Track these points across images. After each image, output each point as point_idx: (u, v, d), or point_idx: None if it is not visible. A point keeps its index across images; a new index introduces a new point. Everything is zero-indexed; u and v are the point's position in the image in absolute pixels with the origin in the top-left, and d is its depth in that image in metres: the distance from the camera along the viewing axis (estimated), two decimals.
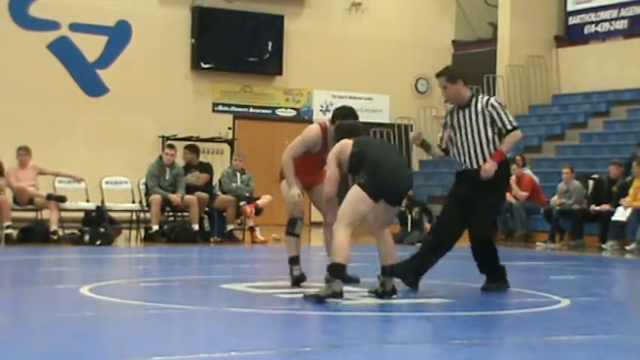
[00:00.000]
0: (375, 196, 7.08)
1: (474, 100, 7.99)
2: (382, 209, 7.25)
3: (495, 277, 8.17)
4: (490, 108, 7.94)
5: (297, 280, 8.04)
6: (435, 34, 22.15)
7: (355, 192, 7.08)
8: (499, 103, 8.05)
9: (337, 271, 6.98)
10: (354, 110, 8.01)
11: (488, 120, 7.92)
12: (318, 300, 6.91)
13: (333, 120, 7.91)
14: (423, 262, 8.15)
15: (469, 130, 7.97)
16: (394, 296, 7.39)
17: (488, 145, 7.93)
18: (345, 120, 7.77)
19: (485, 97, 7.99)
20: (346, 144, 7.32)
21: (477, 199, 7.91)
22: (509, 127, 7.99)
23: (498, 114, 7.95)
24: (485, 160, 7.92)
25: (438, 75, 8.03)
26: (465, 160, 8.06)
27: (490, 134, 7.94)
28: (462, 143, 8.05)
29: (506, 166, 8.18)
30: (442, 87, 8.00)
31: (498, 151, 7.93)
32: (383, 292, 7.36)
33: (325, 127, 8.01)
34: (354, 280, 8.04)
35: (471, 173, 7.98)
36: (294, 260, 8.10)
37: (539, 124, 20.54)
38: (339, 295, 6.97)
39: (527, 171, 16.84)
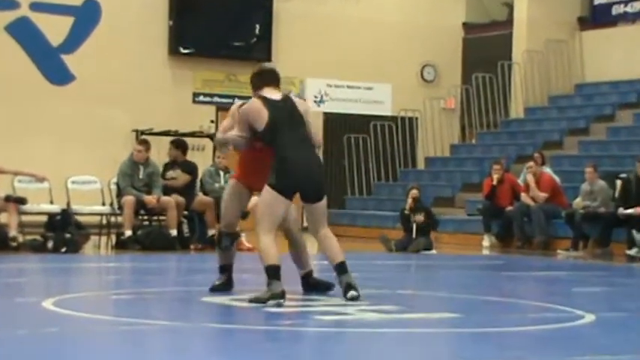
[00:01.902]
0: (286, 196, 7.67)
1: None
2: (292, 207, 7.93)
3: None
4: None
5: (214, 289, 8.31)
6: (444, 16, 22.15)
7: (267, 194, 7.70)
8: None
9: (273, 273, 7.55)
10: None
11: None
12: (259, 302, 7.49)
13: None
14: None
15: None
16: (354, 292, 7.67)
17: None
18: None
19: None
20: (259, 110, 7.77)
21: None
22: None
23: None
24: None
25: None
26: None
27: None
28: None
29: None
30: None
31: None
32: (345, 289, 7.72)
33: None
34: (326, 285, 8.27)
35: None
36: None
37: (560, 116, 20.56)
38: (280, 295, 7.48)
39: (547, 170, 16.85)
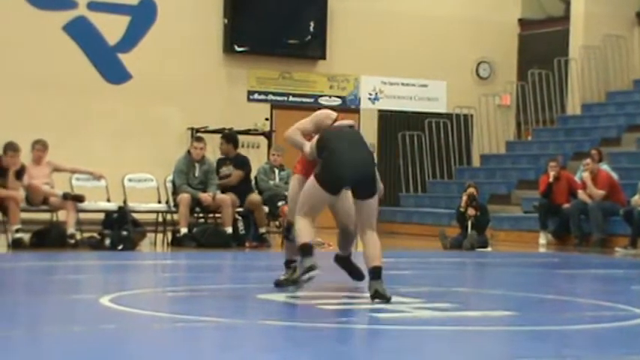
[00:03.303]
0: (326, 188, 7.77)
1: None
2: (350, 204, 8.02)
3: None
4: None
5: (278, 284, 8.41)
6: (499, 12, 22.02)
7: (311, 183, 7.87)
8: None
9: (306, 250, 7.79)
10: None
11: None
12: (294, 282, 7.91)
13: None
14: None
15: None
16: (379, 300, 7.57)
17: None
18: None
19: None
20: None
21: None
22: None
23: None
24: None
25: None
26: None
27: None
28: None
29: None
30: None
31: None
32: (372, 296, 7.63)
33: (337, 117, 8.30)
34: (359, 273, 8.32)
35: None
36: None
37: (618, 113, 20.33)
38: (312, 268, 7.70)
39: (604, 167, 16.69)
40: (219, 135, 15.65)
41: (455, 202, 16.37)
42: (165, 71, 19.22)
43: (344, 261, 8.60)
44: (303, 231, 7.84)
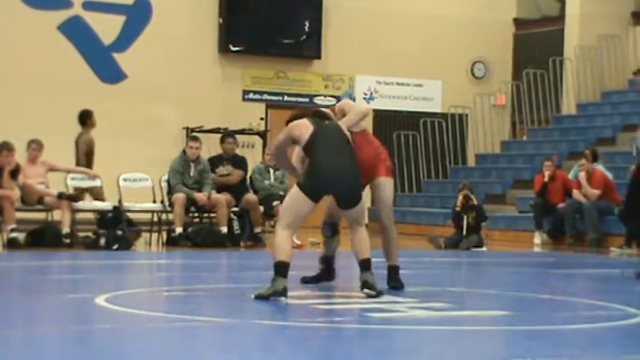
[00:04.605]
0: (311, 197, 7.75)
1: None
2: (336, 208, 8.13)
3: None
4: None
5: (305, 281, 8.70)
6: (494, 11, 22.04)
7: (294, 192, 7.87)
8: None
9: (279, 269, 7.67)
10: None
11: None
12: (262, 298, 7.60)
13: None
14: None
15: None
16: (368, 291, 7.74)
17: None
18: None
19: None
20: (305, 125, 7.97)
21: None
22: None
23: None
24: None
25: None
26: None
27: None
28: None
29: None
30: None
31: None
32: (361, 286, 7.82)
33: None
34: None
35: None
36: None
37: (613, 112, 20.36)
38: (281, 292, 7.59)
39: (599, 166, 16.71)
40: (217, 136, 15.67)
41: (450, 201, 16.38)
42: (161, 71, 19.22)
43: (391, 271, 8.62)
44: (282, 246, 7.76)
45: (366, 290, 7.82)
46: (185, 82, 19.45)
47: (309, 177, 7.88)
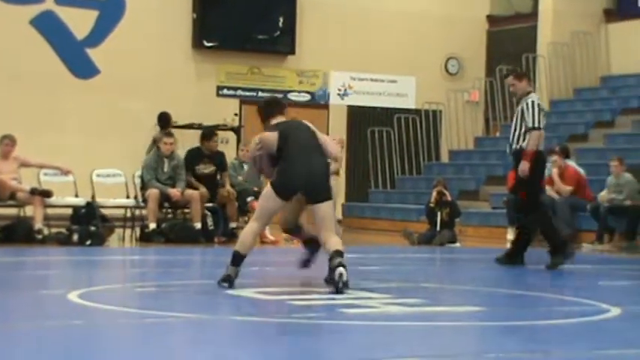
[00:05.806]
0: (280, 195, 8.14)
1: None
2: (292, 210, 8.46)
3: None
4: (523, 104, 10.56)
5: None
6: (468, 8, 22.09)
7: (266, 189, 8.31)
8: (532, 102, 10.61)
9: (235, 258, 8.17)
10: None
11: (519, 115, 10.62)
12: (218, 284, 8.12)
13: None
14: None
15: (513, 121, 10.81)
16: (341, 271, 7.81)
17: (518, 138, 10.66)
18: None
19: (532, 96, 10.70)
20: (271, 136, 8.25)
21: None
22: (529, 125, 10.52)
23: (526, 111, 10.59)
24: (512, 149, 10.79)
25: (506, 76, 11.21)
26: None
27: (520, 129, 10.59)
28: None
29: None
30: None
31: (526, 152, 10.54)
32: (334, 267, 7.87)
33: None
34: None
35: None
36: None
37: (585, 109, 20.46)
38: (228, 279, 8.09)
39: (572, 163, 16.76)
40: (191, 132, 15.61)
41: (424, 197, 16.40)
42: (134, 66, 19.14)
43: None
44: (245, 238, 8.23)
45: (340, 271, 7.82)
46: (159, 77, 19.38)
47: (279, 176, 8.21)
